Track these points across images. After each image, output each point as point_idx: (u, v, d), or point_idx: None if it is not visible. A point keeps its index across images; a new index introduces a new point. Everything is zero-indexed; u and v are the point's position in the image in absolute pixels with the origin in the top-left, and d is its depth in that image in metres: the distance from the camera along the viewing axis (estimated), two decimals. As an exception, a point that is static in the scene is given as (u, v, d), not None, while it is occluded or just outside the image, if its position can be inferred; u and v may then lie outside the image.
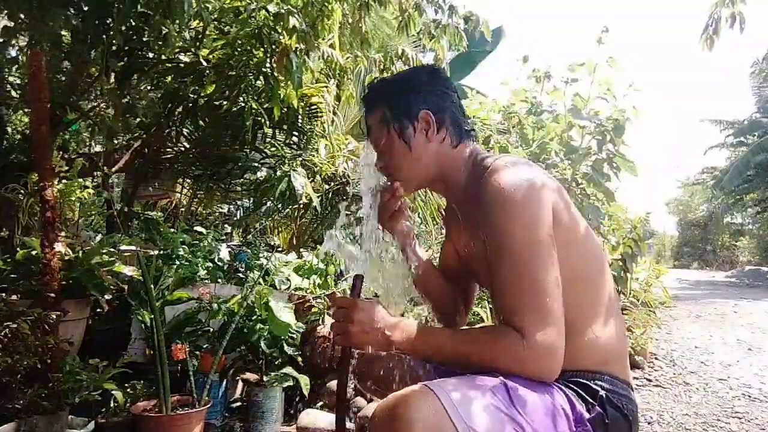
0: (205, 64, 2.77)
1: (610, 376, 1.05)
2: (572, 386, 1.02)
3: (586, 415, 0.98)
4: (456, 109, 1.19)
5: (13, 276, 2.19)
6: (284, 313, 2.31)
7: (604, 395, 1.01)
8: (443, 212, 1.40)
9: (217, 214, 5.54)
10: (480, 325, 1.15)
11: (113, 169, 3.48)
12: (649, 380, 3.38)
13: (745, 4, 2.50)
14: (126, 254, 2.45)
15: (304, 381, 2.27)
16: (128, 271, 2.27)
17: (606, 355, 1.06)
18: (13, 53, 2.87)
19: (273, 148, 3.72)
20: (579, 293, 1.02)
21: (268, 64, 2.63)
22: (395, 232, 1.27)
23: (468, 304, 1.41)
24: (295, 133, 3.88)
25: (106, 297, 2.22)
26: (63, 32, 2.42)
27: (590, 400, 1.01)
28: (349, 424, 2.29)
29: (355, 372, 1.28)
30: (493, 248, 1.01)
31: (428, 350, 1.03)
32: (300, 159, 3.70)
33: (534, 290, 0.94)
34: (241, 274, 3.04)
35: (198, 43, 2.78)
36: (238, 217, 5.56)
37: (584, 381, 1.03)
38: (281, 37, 2.42)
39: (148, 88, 3.10)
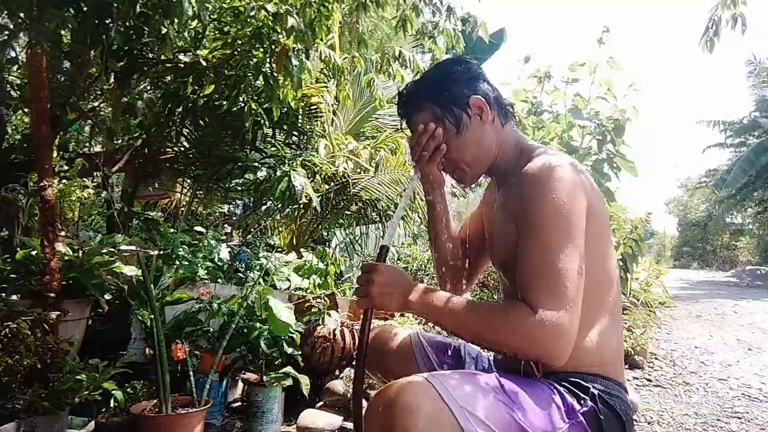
0: (204, 64, 2.77)
1: (603, 377, 1.06)
2: (564, 383, 1.03)
3: (578, 407, 0.99)
4: (495, 91, 1.21)
5: (13, 276, 2.19)
6: (284, 313, 2.31)
7: (596, 393, 1.02)
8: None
9: (217, 214, 5.54)
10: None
11: (113, 169, 3.48)
12: (649, 380, 3.38)
13: (746, 5, 2.49)
14: (126, 254, 2.45)
15: (304, 381, 2.27)
16: (128, 271, 2.27)
17: (601, 358, 1.07)
18: (14, 53, 2.87)
19: (273, 148, 3.73)
20: (587, 297, 1.03)
21: (267, 65, 2.63)
22: (430, 175, 1.28)
23: (473, 275, 1.42)
24: (295, 133, 3.88)
25: (106, 297, 2.22)
26: (63, 32, 2.42)
27: (582, 396, 1.02)
28: (350, 424, 2.29)
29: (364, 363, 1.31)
30: (524, 228, 1.02)
31: (443, 316, 1.04)
32: (300, 159, 3.70)
33: (555, 273, 0.95)
34: (241, 274, 3.05)
35: (198, 44, 2.78)
36: (238, 217, 5.57)
37: (576, 380, 1.04)
38: (280, 37, 2.42)
39: (148, 88, 3.10)
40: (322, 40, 2.70)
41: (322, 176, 4.09)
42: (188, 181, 4.38)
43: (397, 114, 1.30)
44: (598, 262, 1.07)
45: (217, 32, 2.85)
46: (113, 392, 1.95)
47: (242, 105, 2.96)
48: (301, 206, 4.05)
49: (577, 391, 1.02)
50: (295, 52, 2.39)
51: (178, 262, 2.73)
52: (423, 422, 0.87)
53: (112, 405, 2.01)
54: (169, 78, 2.96)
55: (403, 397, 0.89)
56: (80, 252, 2.24)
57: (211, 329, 2.36)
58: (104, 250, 2.28)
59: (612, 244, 1.15)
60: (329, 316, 2.69)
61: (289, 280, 3.06)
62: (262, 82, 2.74)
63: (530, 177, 1.04)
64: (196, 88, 2.96)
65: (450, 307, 1.03)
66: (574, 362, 1.02)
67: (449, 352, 1.31)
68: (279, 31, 2.38)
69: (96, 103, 3.25)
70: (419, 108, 1.21)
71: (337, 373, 2.55)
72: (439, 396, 0.89)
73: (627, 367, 3.66)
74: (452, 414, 0.88)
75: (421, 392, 0.89)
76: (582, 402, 1.00)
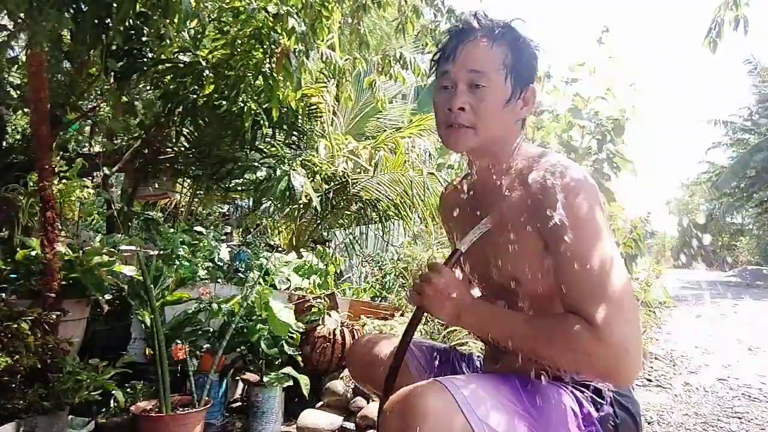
0: (204, 64, 2.77)
1: None
2: (581, 387, 1.02)
3: (595, 414, 0.98)
4: None
5: (13, 276, 2.19)
6: (284, 313, 2.31)
7: (611, 396, 1.01)
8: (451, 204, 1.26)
9: (217, 214, 5.54)
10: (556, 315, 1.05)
11: (113, 169, 3.48)
12: (649, 380, 3.38)
13: (749, 6, 2.50)
14: (126, 254, 2.45)
15: (304, 381, 2.27)
16: (128, 271, 2.27)
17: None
18: (14, 53, 2.87)
19: (273, 148, 3.73)
20: None
21: (267, 65, 2.63)
22: None
23: None
24: (295, 133, 3.88)
25: (106, 297, 2.22)
26: (63, 32, 2.42)
27: (598, 400, 1.00)
28: (350, 424, 2.29)
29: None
30: (560, 241, 0.93)
31: (498, 334, 0.97)
32: (300, 159, 3.70)
33: (611, 284, 0.87)
34: (241, 274, 3.05)
35: (197, 44, 2.78)
36: (237, 217, 5.57)
37: (591, 383, 1.02)
38: (281, 38, 2.42)
39: (148, 88, 3.11)
40: (322, 40, 2.70)
41: (322, 176, 4.09)
42: (188, 181, 4.38)
43: (457, 29, 1.10)
44: None
45: (217, 32, 2.85)
46: (113, 392, 1.95)
47: (242, 105, 2.96)
48: (301, 206, 4.04)
49: (593, 395, 1.00)
50: (296, 53, 2.39)
51: (178, 262, 2.73)
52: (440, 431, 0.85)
53: (112, 405, 2.01)
54: (168, 78, 2.95)
55: (418, 405, 0.86)
56: (80, 252, 2.24)
57: (211, 329, 2.36)
58: (104, 250, 2.28)
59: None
60: (329, 316, 2.68)
61: (289, 280, 3.06)
62: (262, 82, 2.74)
63: (554, 185, 0.95)
64: (196, 88, 2.96)
65: (506, 326, 0.97)
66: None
67: (439, 356, 1.26)
68: (279, 31, 2.38)
69: (96, 103, 3.25)
70: (495, 41, 1.04)
71: (337, 373, 2.55)
72: (457, 404, 0.87)
73: (627, 367, 3.65)
74: (469, 425, 0.86)
75: (440, 399, 0.87)
76: (599, 407, 0.99)
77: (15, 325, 1.73)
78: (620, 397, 1.02)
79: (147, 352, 2.30)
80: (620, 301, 0.86)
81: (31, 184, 2.44)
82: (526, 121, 1.13)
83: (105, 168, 3.30)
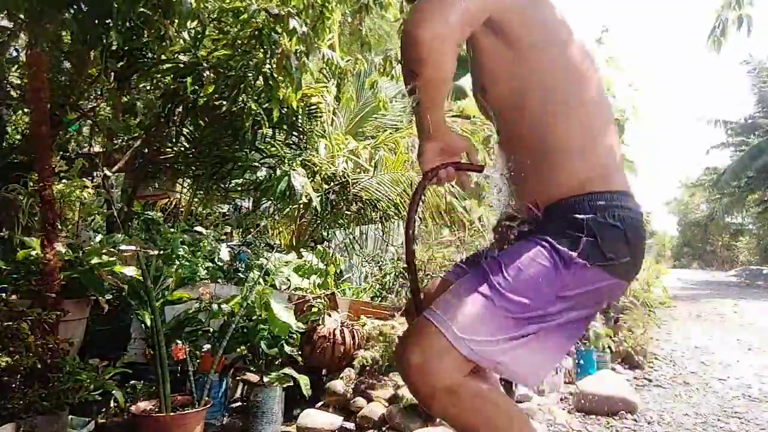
0: (204, 64, 2.77)
1: (597, 192, 1.03)
2: (555, 222, 1.02)
3: (573, 255, 0.98)
4: None
5: (13, 276, 2.19)
6: (284, 313, 2.31)
7: (589, 220, 0.99)
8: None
9: (217, 214, 5.53)
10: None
11: (113, 169, 3.48)
12: (649, 380, 3.38)
13: (753, 5, 2.50)
14: (126, 254, 2.45)
15: (304, 381, 2.27)
16: (128, 271, 2.27)
17: (591, 172, 1.04)
18: (14, 53, 2.87)
19: (273, 148, 3.72)
20: (554, 86, 1.06)
21: (267, 65, 2.63)
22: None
23: None
24: (295, 133, 3.88)
25: (106, 297, 2.22)
26: (63, 32, 2.42)
27: (577, 234, 0.99)
28: (350, 425, 2.29)
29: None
30: None
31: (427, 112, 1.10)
32: (300, 159, 3.70)
33: None
34: (241, 274, 3.04)
35: (198, 44, 2.78)
36: (237, 217, 5.57)
37: (573, 215, 1.01)
38: (281, 39, 2.42)
39: (148, 88, 3.11)
40: (323, 41, 2.70)
41: (322, 176, 4.09)
42: (188, 181, 4.37)
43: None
44: (557, 50, 1.09)
45: (217, 32, 2.85)
46: (113, 392, 1.95)
47: (242, 105, 2.96)
48: (301, 206, 4.04)
49: (571, 231, 1.00)
50: (296, 54, 2.39)
51: (178, 262, 2.73)
52: (427, 365, 0.94)
53: (112, 405, 2.01)
54: (168, 78, 2.95)
55: (408, 351, 0.96)
56: (80, 252, 2.24)
57: (211, 329, 2.36)
58: (104, 250, 2.28)
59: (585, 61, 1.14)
60: (329, 316, 2.69)
61: (289, 280, 3.05)
62: (263, 83, 2.74)
63: None
64: (196, 88, 2.96)
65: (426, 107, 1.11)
66: (563, 188, 1.03)
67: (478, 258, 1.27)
68: (279, 32, 2.38)
69: (96, 103, 3.25)
70: None
71: (337, 373, 2.55)
72: (440, 332, 0.94)
73: (627, 367, 3.66)
74: (453, 347, 0.93)
75: (426, 338, 0.95)
76: (577, 244, 0.98)
77: (15, 326, 1.73)
78: (601, 212, 1.00)
79: (147, 352, 2.30)
80: None
81: (31, 184, 2.44)
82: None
83: (105, 168, 3.30)
